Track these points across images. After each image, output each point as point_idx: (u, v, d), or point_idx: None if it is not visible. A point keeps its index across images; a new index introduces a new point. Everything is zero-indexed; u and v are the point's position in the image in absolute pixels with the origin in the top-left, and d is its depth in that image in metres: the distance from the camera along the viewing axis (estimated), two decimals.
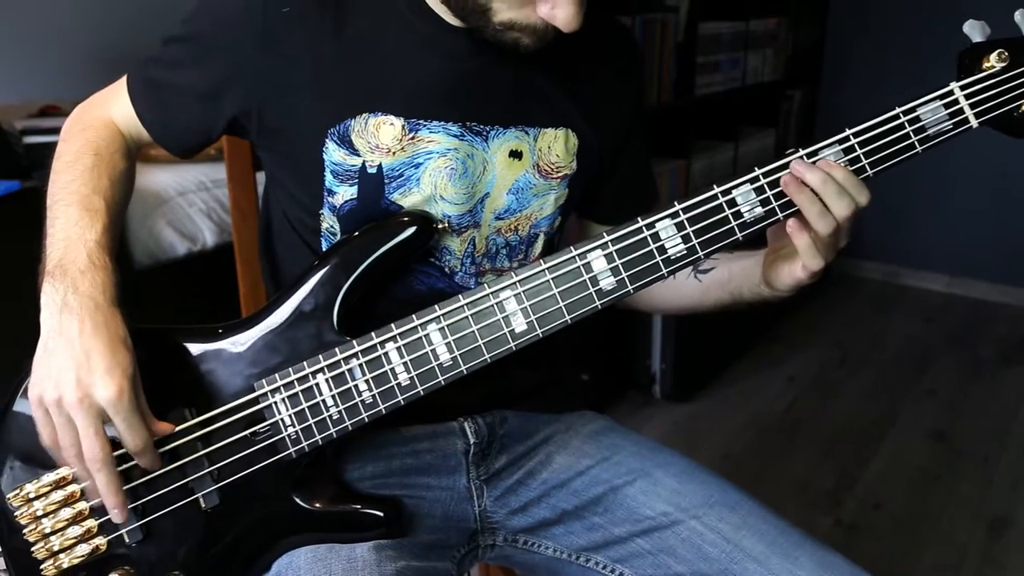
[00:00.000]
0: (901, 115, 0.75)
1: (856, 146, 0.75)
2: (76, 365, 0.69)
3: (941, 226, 3.40)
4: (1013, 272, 3.29)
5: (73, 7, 2.51)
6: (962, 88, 0.75)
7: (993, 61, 0.75)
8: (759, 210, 0.75)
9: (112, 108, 0.89)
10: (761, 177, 0.75)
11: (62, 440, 0.71)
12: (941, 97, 0.75)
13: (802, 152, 0.75)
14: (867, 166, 0.75)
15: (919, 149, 0.75)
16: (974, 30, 0.76)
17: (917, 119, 0.75)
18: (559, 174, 0.89)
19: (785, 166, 0.75)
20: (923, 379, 2.73)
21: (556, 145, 0.87)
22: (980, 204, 3.29)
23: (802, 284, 0.79)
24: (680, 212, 0.75)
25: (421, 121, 0.81)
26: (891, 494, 2.13)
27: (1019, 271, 3.28)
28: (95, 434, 0.70)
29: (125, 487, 0.76)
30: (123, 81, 0.90)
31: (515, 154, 0.85)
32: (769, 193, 0.75)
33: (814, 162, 0.75)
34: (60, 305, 0.71)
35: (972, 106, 0.75)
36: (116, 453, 0.73)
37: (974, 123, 0.75)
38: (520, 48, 0.76)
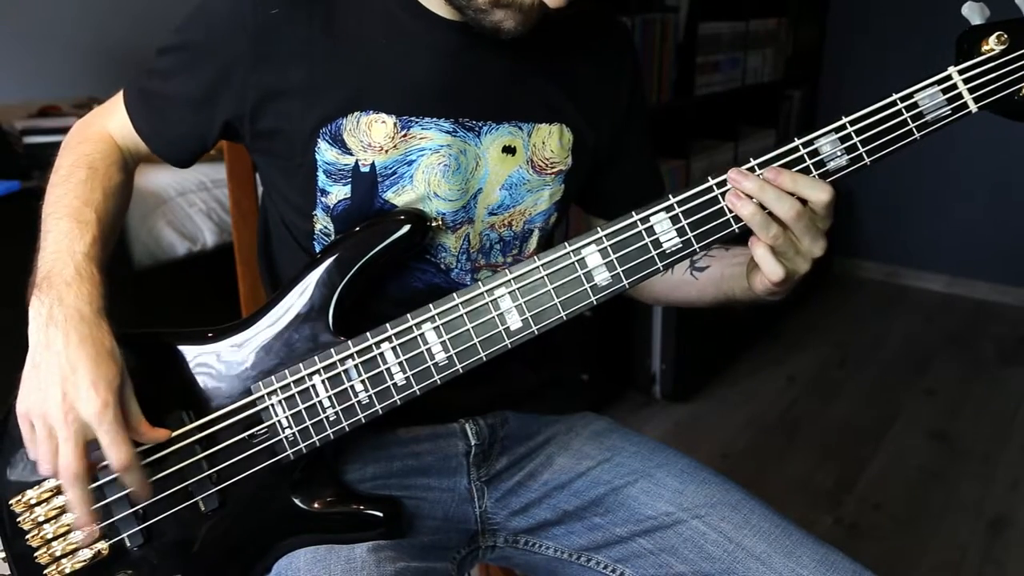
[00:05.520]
0: (898, 101, 0.73)
1: (852, 134, 0.73)
2: (62, 379, 0.69)
3: (941, 226, 3.40)
4: (1013, 272, 3.29)
5: (74, 7, 2.51)
6: (960, 72, 0.73)
7: (992, 44, 0.72)
8: None
9: (109, 122, 0.90)
10: (757, 168, 0.73)
11: (40, 453, 0.71)
12: (939, 82, 0.73)
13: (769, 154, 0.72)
14: (864, 154, 0.73)
15: (917, 136, 0.73)
16: (973, 12, 0.73)
17: (915, 105, 0.73)
18: (554, 170, 0.88)
19: (785, 155, 0.73)
20: (923, 379, 2.72)
21: (550, 141, 0.87)
22: (980, 204, 3.29)
23: (776, 292, 0.76)
24: (675, 205, 0.74)
25: (413, 118, 0.81)
26: (891, 494, 2.12)
27: (1019, 271, 3.27)
28: (72, 448, 0.69)
29: (122, 492, 0.76)
30: (120, 95, 0.90)
31: (508, 150, 0.85)
32: None
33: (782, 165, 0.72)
34: (46, 318, 0.71)
35: (971, 90, 0.73)
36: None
37: (973, 108, 0.73)
38: (502, 33, 0.75)
